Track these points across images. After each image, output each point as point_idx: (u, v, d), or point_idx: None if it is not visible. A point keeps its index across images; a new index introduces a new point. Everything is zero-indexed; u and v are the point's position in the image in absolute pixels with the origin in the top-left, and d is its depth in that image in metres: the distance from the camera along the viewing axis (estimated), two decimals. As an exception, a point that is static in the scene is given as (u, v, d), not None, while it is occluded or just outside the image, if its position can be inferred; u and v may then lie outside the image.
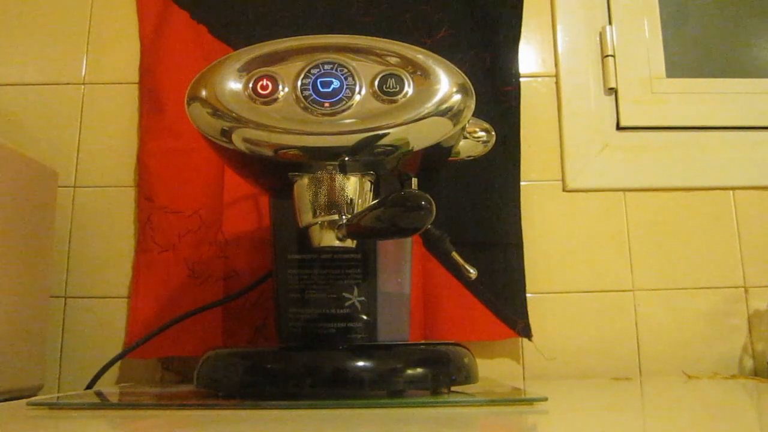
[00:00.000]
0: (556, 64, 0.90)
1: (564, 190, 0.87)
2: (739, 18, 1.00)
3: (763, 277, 0.85)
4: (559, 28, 0.91)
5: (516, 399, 0.51)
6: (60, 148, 0.85)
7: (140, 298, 0.78)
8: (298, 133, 0.51)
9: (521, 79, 0.87)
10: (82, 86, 0.88)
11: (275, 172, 0.55)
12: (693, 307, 0.84)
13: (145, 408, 0.50)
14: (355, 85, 0.52)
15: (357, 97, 0.51)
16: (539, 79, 0.90)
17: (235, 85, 0.52)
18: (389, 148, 0.52)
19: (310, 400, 0.47)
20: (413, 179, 0.56)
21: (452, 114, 0.53)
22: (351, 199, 0.53)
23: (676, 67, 0.92)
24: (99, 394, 0.61)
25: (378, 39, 0.54)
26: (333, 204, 0.52)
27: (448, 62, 0.54)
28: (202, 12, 0.86)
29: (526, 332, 0.80)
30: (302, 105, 0.51)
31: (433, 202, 0.45)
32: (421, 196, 0.45)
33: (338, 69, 0.52)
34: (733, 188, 0.87)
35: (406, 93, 0.52)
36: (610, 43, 0.90)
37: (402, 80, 0.52)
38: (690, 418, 0.45)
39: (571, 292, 0.84)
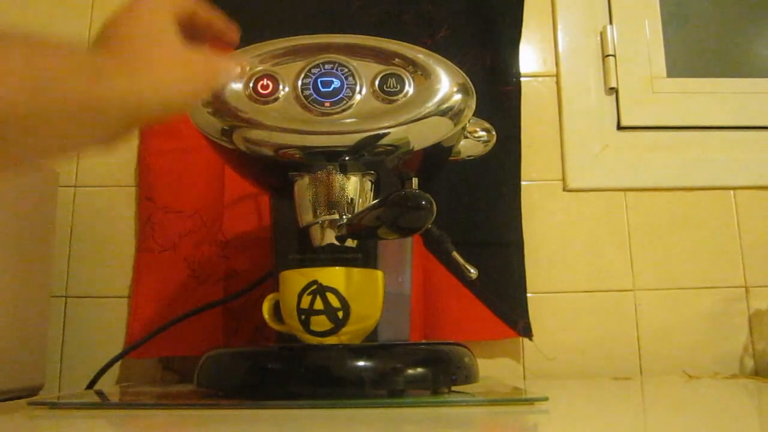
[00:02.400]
0: (557, 64, 0.90)
1: (564, 190, 0.87)
2: (739, 18, 1.00)
3: (764, 276, 0.84)
4: (559, 27, 0.91)
5: (516, 399, 0.51)
6: (60, 148, 0.85)
7: (141, 298, 0.78)
8: (299, 133, 0.51)
9: (522, 79, 0.86)
10: (83, 86, 0.87)
11: (275, 171, 0.55)
12: (694, 307, 0.84)
13: (145, 408, 0.50)
14: (355, 84, 0.52)
15: (357, 97, 0.51)
16: (540, 78, 0.90)
17: (235, 84, 0.52)
18: (390, 147, 0.52)
19: (310, 400, 0.47)
20: (414, 179, 0.56)
21: (453, 114, 0.53)
22: (351, 199, 0.53)
23: (676, 67, 0.92)
24: (99, 393, 0.61)
25: (378, 39, 0.54)
26: (333, 204, 0.52)
27: (448, 62, 0.54)
28: (202, 12, 0.86)
29: (527, 332, 0.80)
30: (303, 104, 0.51)
31: (433, 202, 0.45)
32: (421, 195, 0.45)
33: (339, 68, 0.52)
34: (734, 188, 0.87)
35: (407, 93, 0.52)
36: (610, 42, 0.90)
37: (402, 80, 0.52)
38: (690, 418, 0.45)
39: (571, 291, 0.84)
